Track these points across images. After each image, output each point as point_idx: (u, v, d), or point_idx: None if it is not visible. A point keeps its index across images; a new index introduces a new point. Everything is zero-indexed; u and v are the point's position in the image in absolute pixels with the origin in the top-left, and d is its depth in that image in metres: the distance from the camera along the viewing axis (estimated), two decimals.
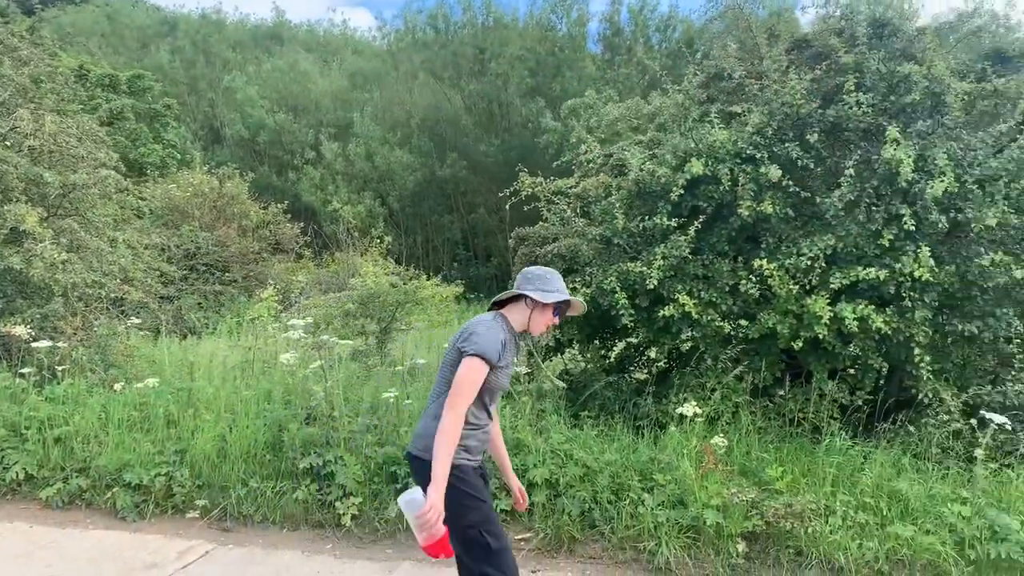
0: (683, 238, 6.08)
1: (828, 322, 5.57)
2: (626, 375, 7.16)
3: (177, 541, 5.40)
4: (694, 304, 6.01)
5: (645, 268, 6.07)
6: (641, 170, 6.40)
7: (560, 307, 3.44)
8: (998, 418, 5.15)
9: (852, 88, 5.98)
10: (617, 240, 6.47)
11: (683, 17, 30.41)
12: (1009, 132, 5.75)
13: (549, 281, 3.40)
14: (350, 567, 5.00)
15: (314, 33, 51.18)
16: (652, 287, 6.00)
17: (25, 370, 7.02)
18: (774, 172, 5.83)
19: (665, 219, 6.19)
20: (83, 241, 9.16)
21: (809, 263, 5.76)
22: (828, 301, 5.65)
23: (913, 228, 5.49)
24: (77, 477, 6.06)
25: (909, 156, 5.47)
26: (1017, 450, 5.47)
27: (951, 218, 5.59)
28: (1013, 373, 5.69)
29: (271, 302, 9.49)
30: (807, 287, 5.88)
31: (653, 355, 7.07)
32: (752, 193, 5.98)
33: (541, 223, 7.60)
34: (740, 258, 6.46)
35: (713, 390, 6.12)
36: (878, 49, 6.24)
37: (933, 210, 5.48)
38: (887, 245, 5.64)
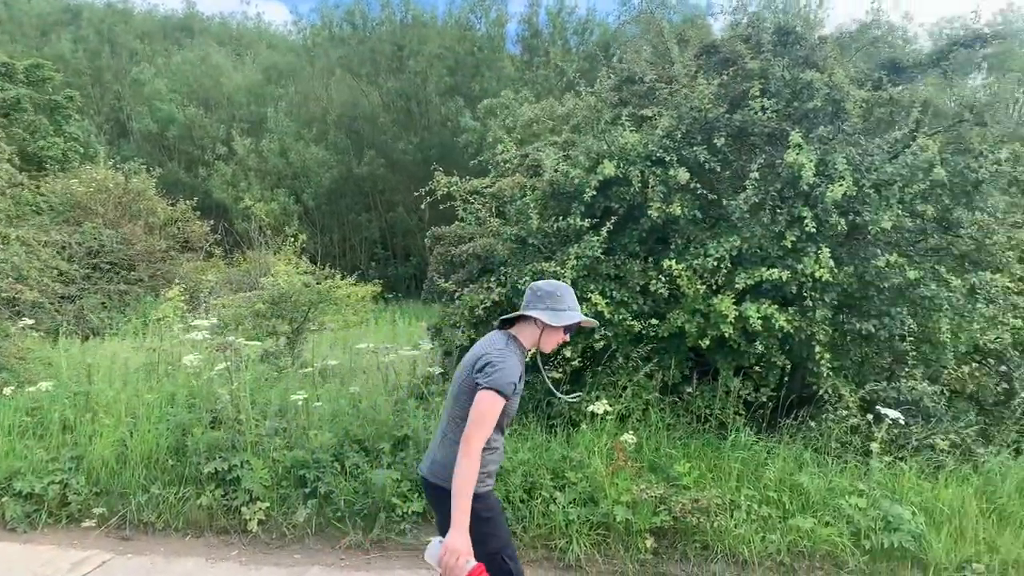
0: (596, 238, 6.15)
1: (733, 321, 5.72)
2: (541, 374, 7.18)
3: (71, 552, 5.16)
4: (606, 303, 6.09)
5: (559, 268, 6.11)
6: (555, 171, 6.44)
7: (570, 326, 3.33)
8: (892, 413, 5.38)
9: (757, 94, 6.16)
10: (532, 240, 6.50)
11: (600, 21, 30.84)
12: (903, 139, 6.01)
13: (560, 299, 3.27)
14: (256, 573, 4.87)
15: (227, 26, 49.78)
16: None
17: None
18: (682, 175, 5.95)
19: (578, 220, 6.25)
20: None
21: (716, 264, 5.90)
22: (734, 301, 5.80)
23: (814, 230, 5.69)
24: None
25: (810, 160, 5.67)
26: (910, 443, 5.72)
27: (850, 221, 5.81)
28: (907, 370, 5.95)
29: (177, 302, 9.17)
30: (714, 287, 6.02)
31: (568, 354, 7.13)
32: (662, 195, 6.09)
33: (457, 223, 7.58)
34: (651, 258, 6.57)
35: (624, 388, 6.21)
36: (782, 56, 6.45)
37: (833, 213, 5.68)
38: (790, 246, 5.83)
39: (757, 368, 6.37)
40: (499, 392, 3.00)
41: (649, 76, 6.82)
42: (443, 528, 3.14)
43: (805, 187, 5.71)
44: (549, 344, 3.31)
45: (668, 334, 6.16)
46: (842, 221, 5.70)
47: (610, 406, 5.90)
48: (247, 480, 5.41)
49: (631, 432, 5.52)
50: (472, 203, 7.18)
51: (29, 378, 7.37)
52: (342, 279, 11.54)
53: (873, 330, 5.86)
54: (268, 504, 5.40)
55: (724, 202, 6.20)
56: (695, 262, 5.99)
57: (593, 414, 5.69)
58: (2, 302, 9.26)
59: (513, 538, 5.08)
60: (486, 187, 7.20)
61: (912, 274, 5.61)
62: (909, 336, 5.92)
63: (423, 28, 31.53)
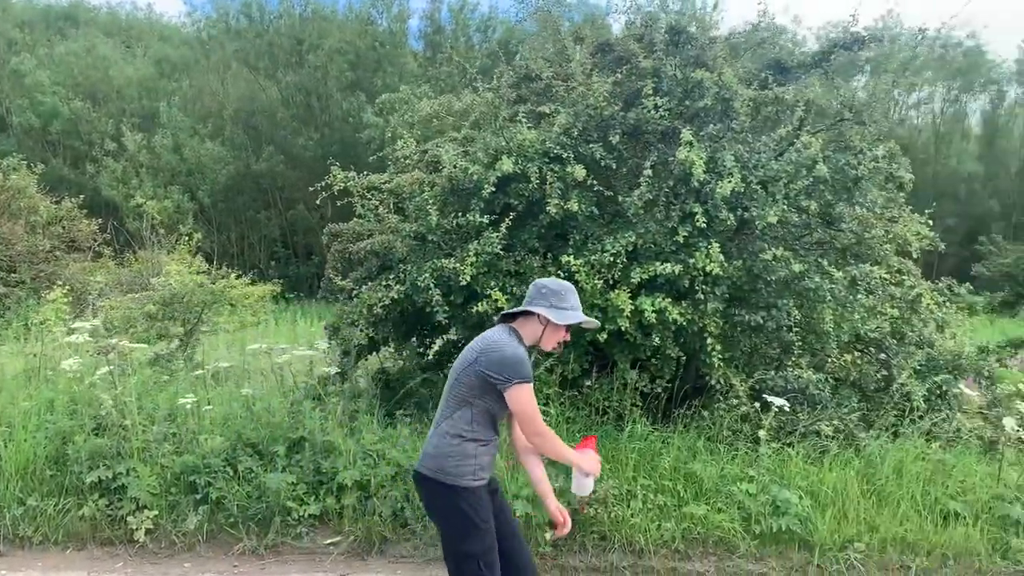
0: (495, 235, 6.15)
1: (629, 315, 5.82)
2: (442, 371, 7.15)
3: None
4: (506, 300, 6.10)
5: (459, 265, 6.09)
6: (454, 167, 6.41)
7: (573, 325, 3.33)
8: (778, 401, 5.59)
9: (650, 92, 6.29)
10: (431, 237, 6.45)
11: (503, 18, 30.98)
12: (788, 137, 6.24)
13: (564, 298, 3.26)
14: None
15: (115, 16, 47.58)
16: (465, 283, 6.03)
17: None
18: (579, 171, 6.02)
19: (478, 216, 6.24)
20: None
21: (612, 259, 5.99)
22: (629, 295, 5.90)
23: (705, 225, 5.85)
24: None
25: (701, 158, 5.82)
26: (797, 429, 5.95)
27: (738, 216, 5.99)
28: (793, 359, 6.19)
29: (60, 304, 8.71)
30: (610, 282, 6.11)
31: None
32: (560, 191, 6.14)
33: (356, 219, 7.45)
34: (550, 254, 6.62)
35: None
36: (674, 56, 6.60)
37: (723, 209, 5.84)
38: (682, 241, 5.98)
39: (653, 360, 6.50)
40: (524, 380, 3.09)
41: (546, 73, 6.87)
42: (438, 519, 3.29)
43: (696, 184, 5.86)
44: (550, 342, 3.31)
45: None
46: (731, 216, 5.88)
47: None
48: (133, 488, 5.18)
49: None
50: (370, 199, 7.06)
51: None
52: (237, 278, 11.19)
53: (761, 321, 6.06)
54: (156, 512, 5.18)
55: (620, 199, 6.30)
56: (592, 258, 6.07)
57: None
58: None
59: (412, 537, 5.07)
60: (384, 183, 7.10)
61: (797, 267, 5.83)
62: (795, 327, 6.15)
63: (323, 22, 30.98)
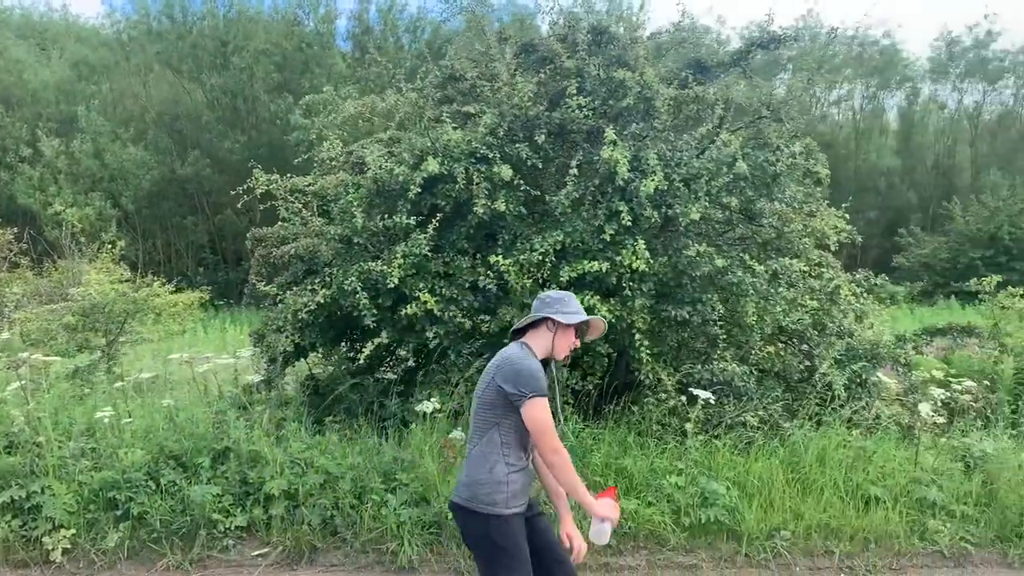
0: (423, 236, 6.11)
1: None
2: (373, 376, 7.07)
3: None
4: (435, 301, 6.07)
5: (386, 267, 6.03)
6: (379, 168, 6.34)
7: (581, 328, 3.34)
8: (703, 394, 5.68)
9: (574, 92, 6.32)
10: (357, 239, 6.37)
11: (432, 19, 30.84)
12: (708, 134, 6.35)
13: (568, 303, 3.29)
14: None
15: (29, 18, 45.69)
16: (393, 286, 5.98)
17: None
18: (505, 171, 6.02)
19: (405, 218, 6.19)
20: None
21: (541, 258, 6.01)
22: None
23: (630, 223, 5.91)
24: None
25: (625, 156, 5.88)
26: (724, 421, 6.07)
27: (663, 213, 6.08)
28: (718, 352, 6.30)
29: None
30: (540, 281, 6.13)
31: (404, 354, 7.05)
32: (487, 192, 6.13)
33: (280, 223, 7.31)
34: (479, 255, 6.61)
35: (456, 384, 6.20)
36: (597, 55, 6.65)
37: (647, 206, 5.91)
38: (609, 240, 6.03)
39: (585, 358, 6.55)
40: (539, 395, 3.05)
41: (470, 74, 6.85)
42: (471, 548, 3.31)
43: (621, 182, 5.91)
44: (562, 349, 3.30)
45: (499, 329, 6.21)
46: (656, 214, 5.95)
47: (441, 404, 5.89)
48: (49, 507, 4.97)
49: (458, 429, 5.52)
50: (293, 202, 6.94)
51: None
52: (161, 286, 10.87)
53: (687, 316, 6.15)
54: (74, 531, 4.98)
55: (548, 198, 6.33)
56: (521, 257, 6.08)
57: (426, 413, 5.64)
58: None
59: (343, 545, 5.00)
60: (308, 185, 6.99)
61: (720, 262, 5.93)
62: (720, 320, 6.26)
63: (248, 23, 30.37)
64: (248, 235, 7.23)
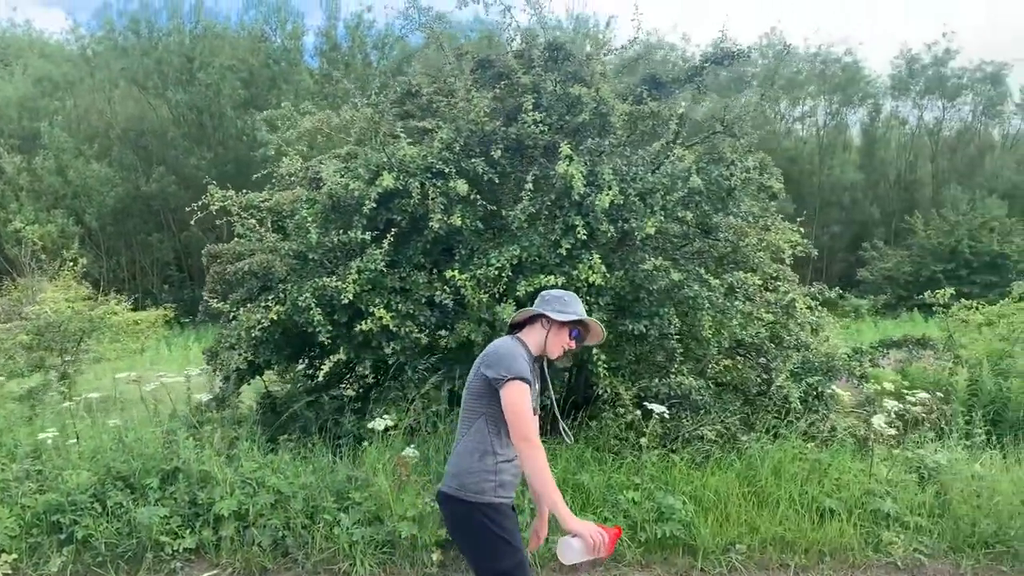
0: (378, 251, 6.07)
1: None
2: (328, 393, 6.98)
3: None
4: (391, 317, 6.02)
5: (340, 283, 5.98)
6: (335, 183, 6.30)
7: (579, 331, 3.30)
8: (658, 408, 5.68)
9: (530, 107, 6.33)
10: (312, 255, 6.32)
11: (400, 36, 30.81)
12: (663, 149, 6.39)
13: (567, 303, 3.26)
14: None
15: None
16: (347, 301, 5.92)
17: None
18: (461, 186, 6.01)
19: (360, 233, 6.14)
20: None
21: (497, 273, 5.99)
22: (515, 308, 5.90)
23: (586, 237, 5.92)
24: None
25: (580, 171, 5.89)
26: (681, 435, 6.07)
27: (619, 228, 6.09)
28: (675, 366, 6.30)
29: None
30: (497, 295, 6.11)
31: (363, 370, 6.98)
32: (442, 206, 6.11)
33: (237, 239, 7.24)
34: (437, 270, 6.57)
35: (412, 401, 6.15)
36: (553, 71, 6.67)
37: (603, 221, 5.93)
38: (565, 254, 6.03)
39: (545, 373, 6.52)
40: (519, 378, 2.96)
41: (426, 89, 6.85)
42: (458, 539, 3.17)
43: (577, 197, 5.93)
44: (555, 348, 3.25)
45: (457, 344, 6.18)
46: (612, 228, 5.97)
47: (398, 420, 5.84)
48: None
49: (412, 446, 5.46)
50: (248, 218, 6.86)
51: None
52: (117, 304, 10.70)
53: (644, 330, 6.16)
54: (16, 556, 4.85)
55: (504, 213, 6.32)
56: (478, 272, 6.06)
57: (375, 431, 5.58)
58: None
59: (294, 566, 4.91)
60: (262, 201, 6.92)
61: (675, 276, 5.95)
62: (677, 334, 6.27)
63: (215, 39, 30.18)
64: (203, 251, 7.13)
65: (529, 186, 6.07)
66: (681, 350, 6.36)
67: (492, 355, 3.09)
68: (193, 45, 30.05)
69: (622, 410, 6.05)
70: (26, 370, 9.61)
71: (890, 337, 8.83)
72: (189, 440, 5.48)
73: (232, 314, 6.42)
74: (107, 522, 5.01)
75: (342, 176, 6.39)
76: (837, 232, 36.54)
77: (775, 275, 7.11)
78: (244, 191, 7.03)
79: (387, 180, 6.04)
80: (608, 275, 5.98)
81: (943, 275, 28.25)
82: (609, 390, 6.12)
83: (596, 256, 5.87)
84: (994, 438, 6.94)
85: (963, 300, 9.62)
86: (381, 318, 5.97)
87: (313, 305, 5.98)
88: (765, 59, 35.27)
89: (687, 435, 6.11)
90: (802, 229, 7.33)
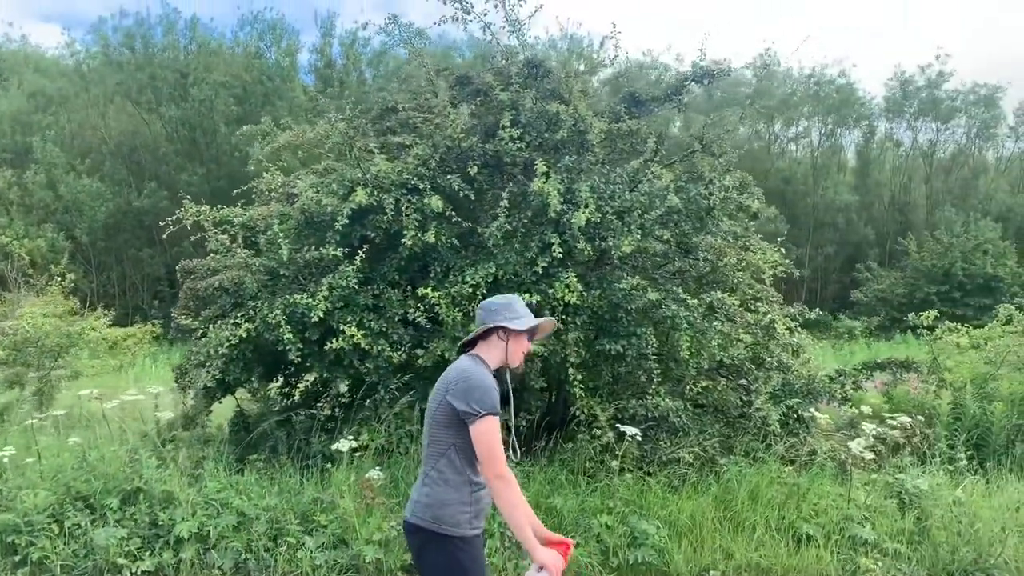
0: (350, 268, 5.98)
1: None
2: (308, 411, 6.86)
3: None
4: (363, 335, 5.92)
5: (311, 300, 5.88)
6: (308, 199, 6.22)
7: (532, 330, 3.18)
8: (631, 430, 5.56)
9: (507, 124, 6.27)
10: (283, 271, 6.23)
11: (395, 54, 30.88)
12: (642, 167, 6.33)
13: (516, 309, 3.13)
14: None
15: None
16: (318, 319, 5.83)
17: None
18: (436, 202, 5.94)
19: (333, 249, 6.06)
20: None
21: (472, 290, 5.91)
22: None
23: (562, 255, 5.84)
24: None
25: (557, 189, 5.82)
26: (657, 457, 5.96)
27: (596, 246, 6.01)
28: (653, 387, 6.20)
29: None
30: (471, 313, 6.01)
31: (343, 389, 6.87)
32: (417, 223, 6.03)
33: (212, 255, 7.15)
34: (412, 287, 6.48)
35: (383, 421, 6.04)
36: (532, 88, 6.62)
37: (580, 239, 5.85)
38: (541, 272, 5.95)
39: (523, 394, 6.42)
40: (491, 414, 2.88)
41: (403, 105, 6.80)
42: (425, 571, 3.02)
43: (553, 214, 5.85)
44: (516, 356, 3.15)
45: (432, 363, 6.08)
46: (589, 247, 5.89)
47: (369, 440, 5.73)
48: None
49: (377, 469, 5.34)
50: (219, 234, 6.78)
51: None
52: (97, 319, 10.59)
53: (622, 350, 6.07)
54: None
55: (480, 230, 6.24)
56: (453, 289, 5.97)
57: (341, 451, 5.46)
58: None
59: None
60: (236, 216, 6.84)
61: (653, 296, 5.86)
62: (655, 354, 6.18)
63: (209, 55, 30.22)
64: (177, 267, 7.04)
65: (505, 203, 6.00)
66: (659, 371, 6.26)
67: (460, 384, 2.94)
68: (187, 61, 30.09)
69: (598, 431, 5.94)
70: (2, 386, 9.48)
71: (874, 359, 8.74)
72: (152, 459, 5.36)
73: (201, 331, 6.32)
74: (64, 543, 4.89)
75: (316, 191, 6.32)
76: (831, 253, 36.46)
77: (757, 295, 7.03)
78: (219, 206, 6.94)
79: (360, 196, 5.96)
80: (585, 294, 5.90)
81: (937, 297, 28.15)
82: (585, 411, 6.01)
83: (572, 275, 5.79)
84: (976, 463, 6.84)
85: (947, 323, 9.53)
86: (352, 336, 5.87)
87: (283, 322, 5.88)
88: (758, 79, 35.37)
89: (664, 457, 6.00)
90: (782, 250, 7.26)
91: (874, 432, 6.06)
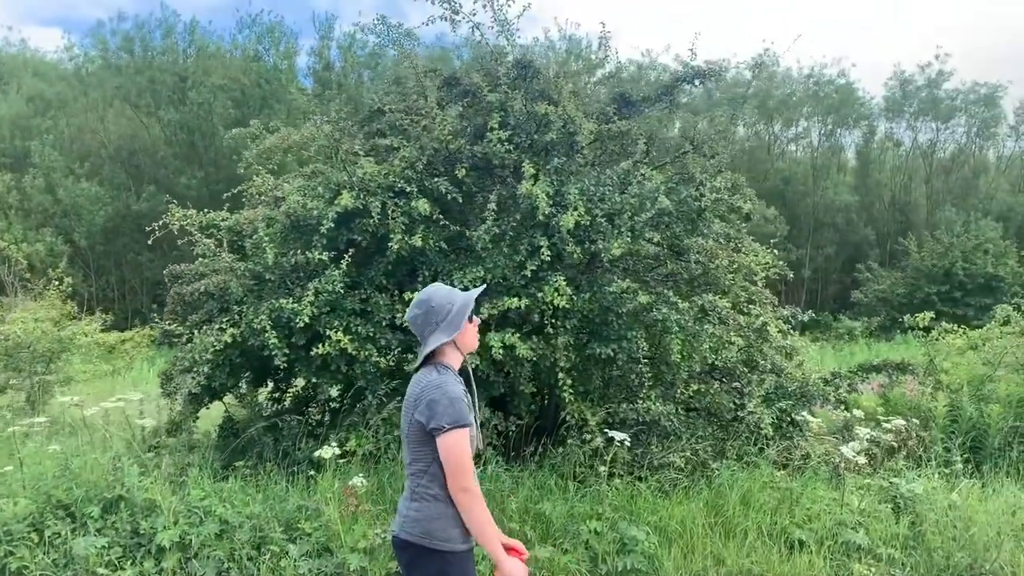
0: (336, 272, 5.92)
1: (480, 352, 5.65)
2: (284, 418, 6.79)
3: None
4: (350, 340, 5.85)
5: (296, 304, 5.81)
6: (294, 203, 6.16)
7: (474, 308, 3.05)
8: (619, 435, 5.49)
9: (496, 126, 6.20)
10: (269, 276, 6.16)
11: (389, 55, 30.83)
12: (632, 169, 6.25)
13: (443, 305, 2.94)
14: None
15: None
16: (303, 324, 5.76)
17: None
18: (423, 205, 5.87)
19: (319, 253, 5.99)
20: None
21: None
22: (482, 331, 5.74)
23: (551, 258, 5.77)
24: None
25: (546, 191, 5.75)
26: (648, 462, 5.88)
27: (586, 249, 5.94)
28: (644, 391, 6.12)
29: None
30: None
31: (333, 393, 6.79)
32: (404, 226, 5.97)
33: (200, 259, 7.09)
34: (400, 291, 6.42)
35: (370, 427, 5.97)
36: (521, 89, 6.55)
37: (569, 242, 5.78)
38: (530, 275, 5.88)
39: (511, 397, 6.35)
40: (458, 426, 2.78)
41: (390, 107, 6.73)
42: None
43: (542, 217, 5.78)
44: (472, 341, 3.06)
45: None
46: (578, 250, 5.82)
47: (356, 446, 5.66)
48: None
49: (360, 476, 5.26)
50: (203, 238, 6.72)
51: None
52: (88, 324, 10.53)
53: (613, 354, 6.00)
54: None
55: (468, 233, 6.17)
56: None
57: (337, 457, 5.39)
58: None
59: None
60: (223, 220, 6.78)
61: (643, 299, 5.80)
62: (645, 358, 6.10)
63: (208, 59, 30.22)
64: (165, 272, 6.98)
65: (492, 206, 5.93)
66: (650, 374, 6.19)
67: (424, 402, 2.84)
68: (186, 64, 30.12)
69: (588, 436, 5.87)
70: None
71: (870, 361, 8.65)
72: (134, 467, 5.28)
73: (187, 336, 6.26)
74: (44, 553, 4.80)
75: (303, 195, 6.25)
76: (831, 253, 36.38)
77: (750, 297, 6.95)
78: (205, 210, 6.88)
79: (346, 199, 5.90)
80: (575, 298, 5.83)
81: (937, 297, 28.08)
82: (576, 415, 5.94)
83: (561, 278, 5.72)
84: (972, 466, 6.76)
85: (944, 324, 9.45)
86: (339, 341, 5.80)
87: (269, 327, 5.81)
88: (757, 80, 35.25)
89: (655, 462, 5.92)
90: (775, 251, 7.19)
91: (868, 436, 5.97)
